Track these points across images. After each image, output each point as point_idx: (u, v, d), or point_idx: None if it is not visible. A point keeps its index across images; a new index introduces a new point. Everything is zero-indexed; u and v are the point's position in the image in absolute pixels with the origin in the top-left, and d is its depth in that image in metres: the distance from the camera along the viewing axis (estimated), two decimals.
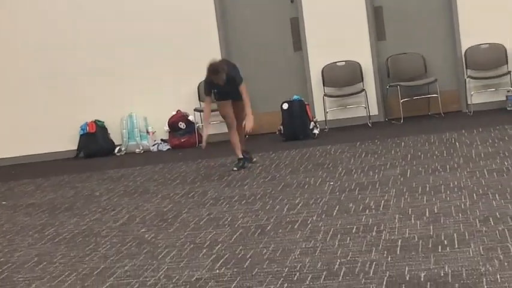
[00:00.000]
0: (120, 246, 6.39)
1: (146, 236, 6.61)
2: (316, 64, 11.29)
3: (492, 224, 5.73)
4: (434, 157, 8.35)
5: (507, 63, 11.02)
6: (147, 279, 5.45)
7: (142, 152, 11.49)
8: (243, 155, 9.02)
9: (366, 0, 11.18)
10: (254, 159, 9.29)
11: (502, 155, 8.04)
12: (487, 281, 4.61)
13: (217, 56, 10.50)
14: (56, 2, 11.71)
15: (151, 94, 11.51)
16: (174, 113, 11.48)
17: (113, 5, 11.65)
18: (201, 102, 11.12)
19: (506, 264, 4.85)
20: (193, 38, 11.35)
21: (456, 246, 5.31)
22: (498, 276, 4.66)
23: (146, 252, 6.13)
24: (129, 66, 11.53)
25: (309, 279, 5.03)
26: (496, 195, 6.51)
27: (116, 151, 11.60)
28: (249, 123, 8.71)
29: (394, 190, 7.07)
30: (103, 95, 11.61)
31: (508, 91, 10.99)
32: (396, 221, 6.08)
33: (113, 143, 11.69)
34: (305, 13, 11.29)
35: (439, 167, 7.80)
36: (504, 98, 11.03)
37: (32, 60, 11.71)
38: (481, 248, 5.20)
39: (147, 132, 11.59)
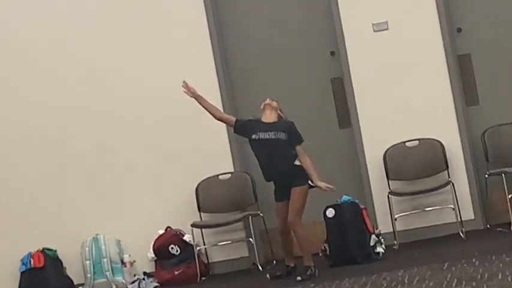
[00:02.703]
0: None
1: None
2: (374, 146, 9.67)
3: None
4: None
5: None
6: None
7: None
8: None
9: (446, 47, 9.48)
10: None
11: None
12: None
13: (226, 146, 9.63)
14: None
15: (126, 206, 9.91)
16: (162, 231, 9.68)
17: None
18: (201, 213, 9.78)
19: None
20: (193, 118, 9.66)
21: None
22: None
23: None
24: (88, 165, 9.89)
25: None
26: None
27: None
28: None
29: None
30: (53, 211, 9.91)
31: None
32: None
33: (71, 281, 9.82)
34: (353, 74, 9.58)
35: None
36: None
37: None
38: None
39: (122, 262, 9.86)
